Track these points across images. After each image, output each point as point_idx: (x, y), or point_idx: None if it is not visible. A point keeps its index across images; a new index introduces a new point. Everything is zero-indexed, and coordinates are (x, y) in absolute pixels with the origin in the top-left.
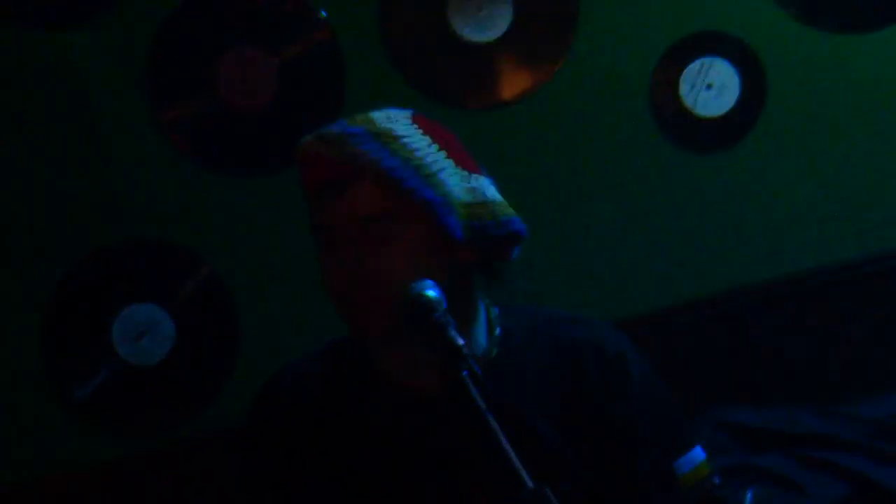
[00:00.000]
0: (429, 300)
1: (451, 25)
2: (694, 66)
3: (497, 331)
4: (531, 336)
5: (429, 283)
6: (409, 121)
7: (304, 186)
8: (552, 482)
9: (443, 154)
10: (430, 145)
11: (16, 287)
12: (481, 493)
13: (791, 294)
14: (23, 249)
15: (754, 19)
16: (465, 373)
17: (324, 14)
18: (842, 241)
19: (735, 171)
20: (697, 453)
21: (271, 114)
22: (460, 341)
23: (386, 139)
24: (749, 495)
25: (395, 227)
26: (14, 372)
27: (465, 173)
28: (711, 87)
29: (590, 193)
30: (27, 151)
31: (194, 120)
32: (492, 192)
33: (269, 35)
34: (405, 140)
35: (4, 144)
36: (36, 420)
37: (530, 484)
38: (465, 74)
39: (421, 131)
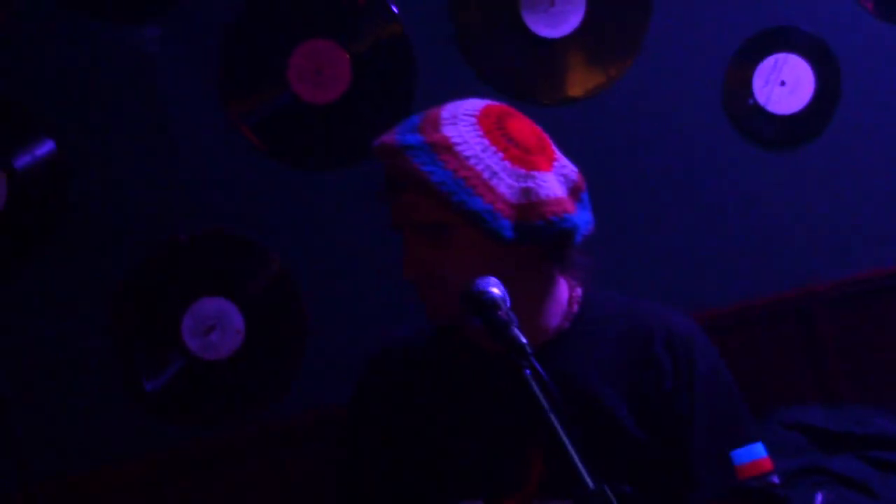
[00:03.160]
0: (492, 298)
1: (524, 20)
2: (768, 62)
3: (574, 308)
4: (606, 315)
5: (493, 280)
6: (475, 119)
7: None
8: (612, 451)
9: (499, 157)
10: (486, 149)
11: (89, 280)
12: (541, 457)
13: (863, 294)
14: (95, 242)
15: (830, 15)
16: (527, 371)
17: (396, 9)
18: None
19: (808, 169)
20: (758, 449)
21: (342, 108)
22: (523, 339)
23: (437, 151)
24: (819, 498)
25: (448, 233)
26: (87, 364)
27: (522, 173)
28: (785, 84)
29: (661, 189)
30: (100, 144)
31: (265, 113)
32: (548, 189)
33: (340, 29)
34: (460, 147)
35: (78, 137)
36: (108, 411)
37: (591, 484)
38: (536, 69)
39: (481, 133)
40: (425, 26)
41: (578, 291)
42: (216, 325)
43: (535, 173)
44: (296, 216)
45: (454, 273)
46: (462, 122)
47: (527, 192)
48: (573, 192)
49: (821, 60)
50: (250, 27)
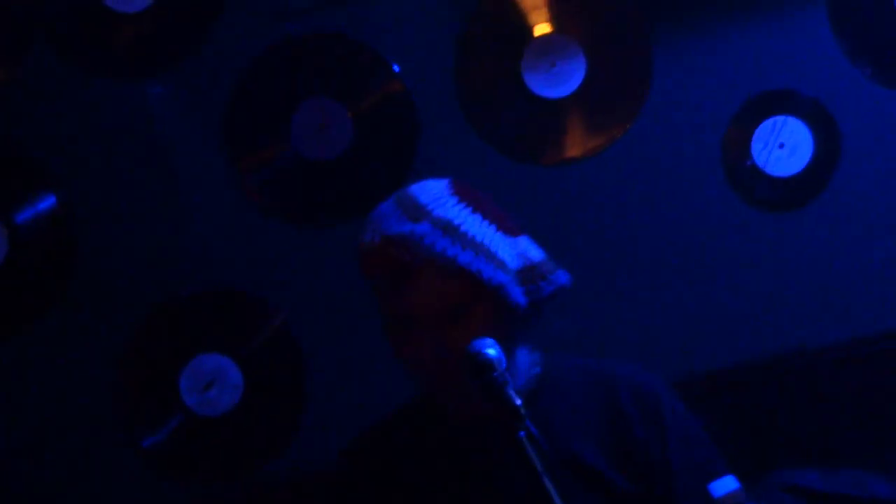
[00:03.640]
0: (489, 360)
1: (525, 80)
2: (767, 125)
3: (536, 370)
4: (568, 375)
5: (489, 341)
6: (457, 197)
7: (371, 278)
8: None
9: (493, 228)
10: (481, 223)
11: (89, 337)
12: None
13: (861, 356)
14: (95, 298)
15: (829, 79)
16: (522, 433)
17: (397, 68)
18: None
19: (807, 232)
20: (731, 480)
21: (344, 166)
22: (518, 401)
23: (449, 231)
24: None
25: (468, 309)
26: (86, 420)
27: (512, 240)
28: (784, 146)
29: (661, 250)
30: (103, 199)
31: (269, 171)
32: (533, 250)
33: (343, 88)
34: (465, 228)
35: (81, 192)
36: (106, 468)
37: None
38: (537, 129)
39: (470, 209)
40: (427, 85)
41: (537, 354)
42: (215, 381)
43: (519, 239)
44: (298, 273)
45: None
46: (447, 201)
47: (521, 256)
48: None
49: (819, 123)
50: (254, 85)
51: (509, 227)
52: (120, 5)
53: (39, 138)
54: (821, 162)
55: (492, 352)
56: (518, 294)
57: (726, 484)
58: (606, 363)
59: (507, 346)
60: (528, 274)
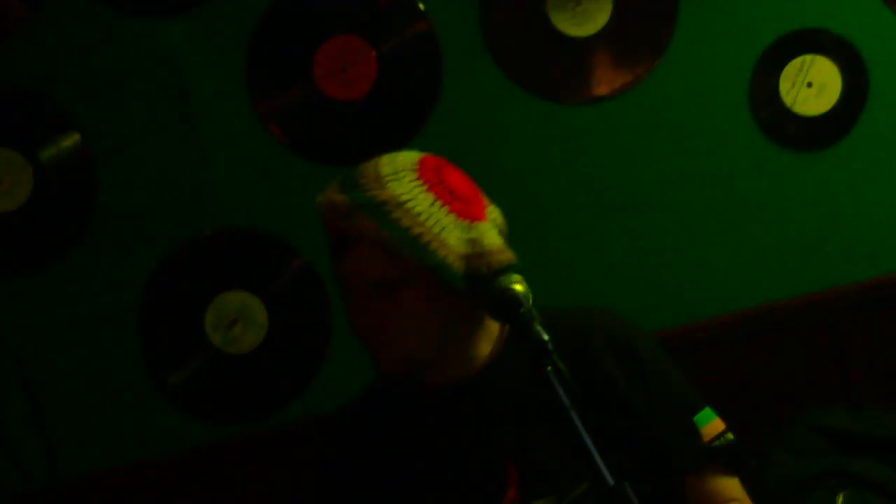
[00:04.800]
0: (516, 296)
1: (550, 19)
2: (795, 64)
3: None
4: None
5: (516, 276)
6: (416, 174)
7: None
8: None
9: (445, 210)
10: (432, 204)
11: (113, 274)
12: (515, 476)
13: (888, 296)
14: (120, 237)
15: (858, 16)
16: (549, 368)
17: (422, 6)
18: None
19: (834, 171)
20: (709, 412)
21: (368, 104)
22: (545, 336)
23: (390, 208)
24: (841, 499)
25: (400, 287)
26: (110, 358)
27: (466, 224)
28: (812, 86)
29: (686, 190)
30: (127, 137)
31: (291, 110)
32: (489, 238)
33: (367, 26)
34: (409, 205)
35: (105, 130)
36: (131, 405)
37: (611, 481)
38: (562, 68)
39: (426, 188)
40: (452, 24)
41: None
42: (239, 318)
43: (477, 223)
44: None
45: (405, 325)
46: (405, 177)
47: (472, 242)
48: (502, 235)
49: (848, 62)
50: (277, 24)
51: (468, 211)
52: None
53: (62, 76)
54: (849, 101)
55: (519, 287)
56: (457, 277)
57: (707, 416)
58: (577, 312)
59: (460, 323)
60: (475, 261)
